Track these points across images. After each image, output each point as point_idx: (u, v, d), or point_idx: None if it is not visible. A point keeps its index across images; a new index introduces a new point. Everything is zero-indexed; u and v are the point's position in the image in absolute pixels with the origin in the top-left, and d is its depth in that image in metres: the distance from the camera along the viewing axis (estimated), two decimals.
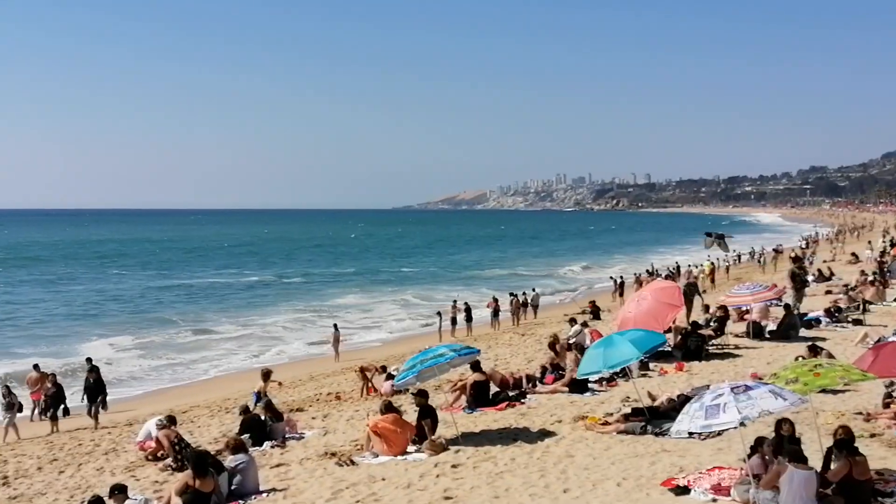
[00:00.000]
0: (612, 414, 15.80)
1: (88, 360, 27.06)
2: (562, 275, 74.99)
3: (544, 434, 14.95)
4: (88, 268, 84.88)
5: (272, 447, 16.07)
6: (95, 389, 22.35)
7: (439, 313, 38.52)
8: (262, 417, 16.88)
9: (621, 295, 46.23)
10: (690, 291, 28.71)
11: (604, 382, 19.05)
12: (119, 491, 11.71)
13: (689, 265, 57.56)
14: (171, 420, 16.36)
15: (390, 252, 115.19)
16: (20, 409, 22.01)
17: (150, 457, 16.14)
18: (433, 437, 14.52)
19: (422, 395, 15.36)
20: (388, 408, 14.96)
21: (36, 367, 25.43)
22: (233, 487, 12.52)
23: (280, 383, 24.03)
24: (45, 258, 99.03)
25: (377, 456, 14.16)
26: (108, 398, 23.19)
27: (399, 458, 13.99)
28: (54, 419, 22.22)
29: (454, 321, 38.08)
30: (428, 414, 15.00)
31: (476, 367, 18.13)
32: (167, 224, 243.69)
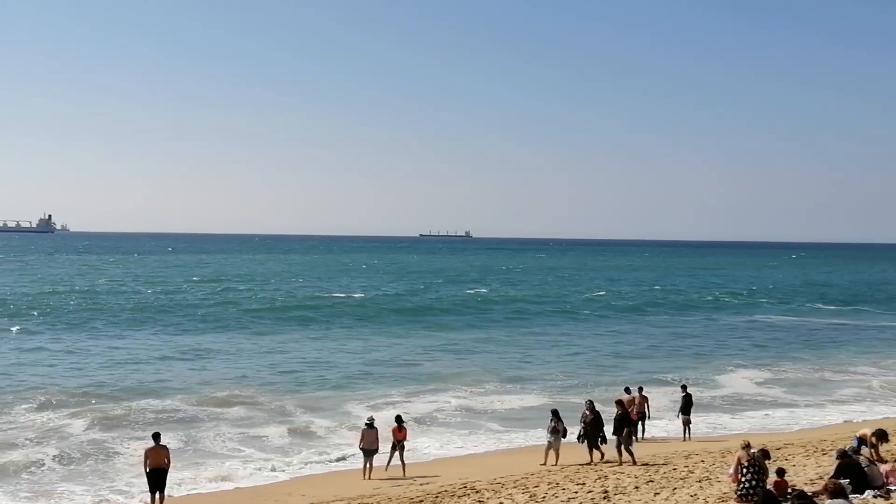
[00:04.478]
0: None
1: (683, 386, 28.08)
2: None
3: None
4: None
5: (874, 497, 14.98)
6: (620, 423, 22.71)
7: None
8: (862, 464, 15.87)
9: None
10: None
11: None
12: None
13: None
14: (763, 453, 16.25)
15: None
16: (564, 435, 22.95)
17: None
18: None
19: None
20: None
21: (627, 389, 27.03)
22: None
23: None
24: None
25: None
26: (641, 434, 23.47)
27: None
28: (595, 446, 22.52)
29: None
30: None
31: None
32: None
